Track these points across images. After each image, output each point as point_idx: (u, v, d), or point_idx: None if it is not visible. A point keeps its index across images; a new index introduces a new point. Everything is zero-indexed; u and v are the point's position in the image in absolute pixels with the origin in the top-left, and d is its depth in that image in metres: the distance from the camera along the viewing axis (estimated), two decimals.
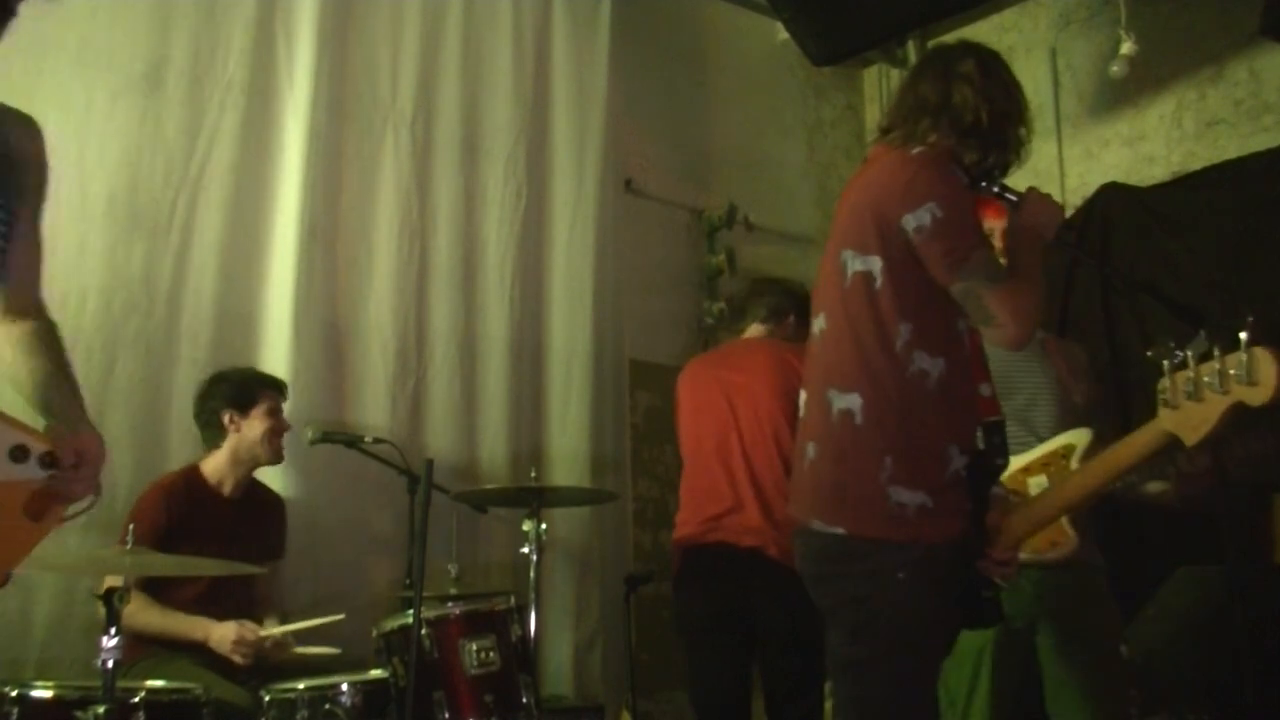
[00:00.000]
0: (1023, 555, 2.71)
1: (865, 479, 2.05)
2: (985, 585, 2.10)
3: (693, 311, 5.15)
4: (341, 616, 3.24)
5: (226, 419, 3.40)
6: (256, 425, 3.40)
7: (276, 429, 3.44)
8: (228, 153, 3.81)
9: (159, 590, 3.19)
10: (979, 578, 2.09)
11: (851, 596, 2.08)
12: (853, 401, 2.07)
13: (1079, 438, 2.88)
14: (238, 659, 3.11)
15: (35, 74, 3.48)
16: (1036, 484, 2.87)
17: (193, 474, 3.39)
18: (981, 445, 2.12)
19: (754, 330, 3.86)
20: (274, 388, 3.51)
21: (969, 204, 2.11)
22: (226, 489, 3.41)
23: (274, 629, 3.25)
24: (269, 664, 3.18)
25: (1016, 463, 2.86)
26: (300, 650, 3.24)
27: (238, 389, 3.44)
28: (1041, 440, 2.89)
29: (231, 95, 3.84)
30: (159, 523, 3.13)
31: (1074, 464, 2.84)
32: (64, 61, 3.54)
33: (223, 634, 3.12)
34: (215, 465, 3.41)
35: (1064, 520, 2.81)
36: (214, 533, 3.24)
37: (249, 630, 3.14)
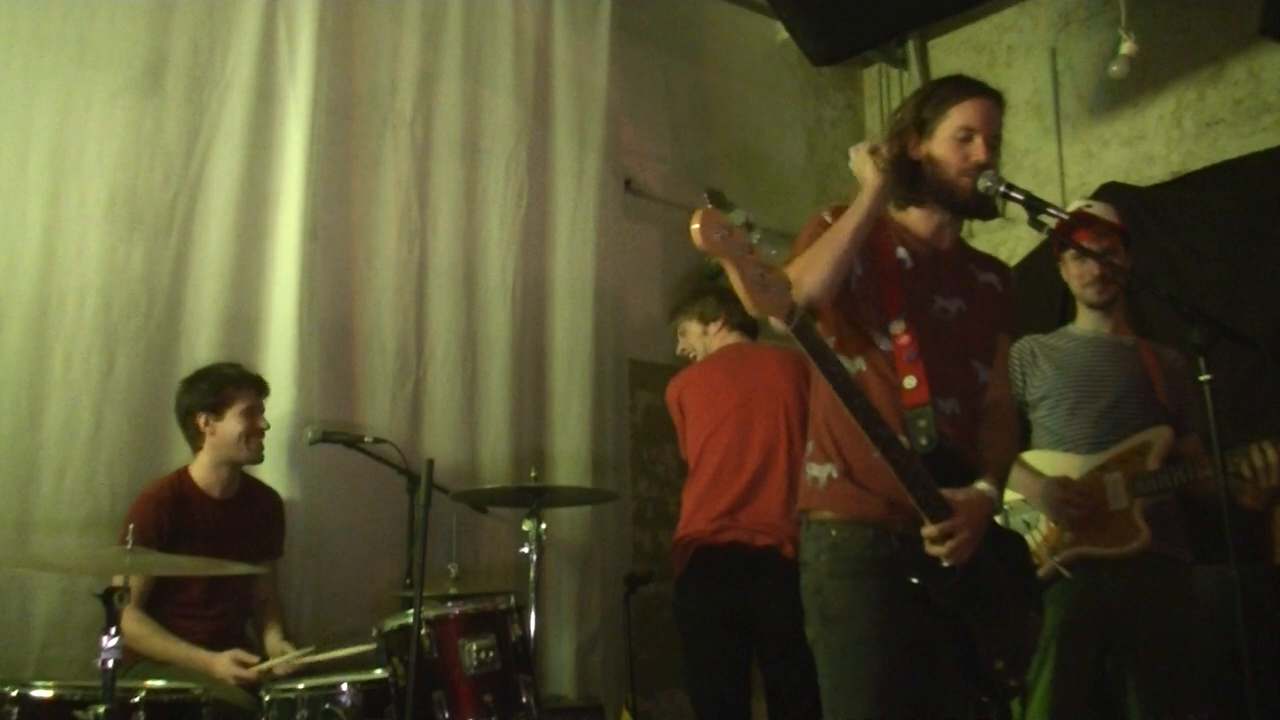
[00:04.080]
0: (1096, 550, 2.90)
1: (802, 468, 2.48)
2: (927, 568, 2.20)
3: None
4: (371, 648, 3.04)
5: (201, 422, 3.34)
6: (231, 426, 3.33)
7: (253, 429, 3.37)
8: (228, 153, 3.80)
9: (157, 595, 3.17)
10: (923, 561, 2.20)
11: (801, 585, 2.37)
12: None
13: (1157, 435, 2.96)
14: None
15: (35, 73, 3.47)
16: (1111, 480, 2.93)
17: (183, 478, 3.35)
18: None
19: (733, 336, 3.85)
20: (250, 385, 3.41)
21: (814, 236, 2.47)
22: (216, 491, 3.36)
23: (269, 661, 3.16)
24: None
25: (1094, 460, 2.98)
26: (333, 654, 3.15)
27: (209, 391, 3.35)
28: (1126, 439, 2.96)
29: (231, 95, 3.83)
30: (150, 530, 3.08)
31: (1150, 461, 2.92)
32: (64, 61, 3.53)
33: (222, 674, 3.05)
34: (201, 468, 3.36)
35: (1137, 515, 2.88)
36: (208, 535, 3.23)
37: (246, 667, 3.07)
